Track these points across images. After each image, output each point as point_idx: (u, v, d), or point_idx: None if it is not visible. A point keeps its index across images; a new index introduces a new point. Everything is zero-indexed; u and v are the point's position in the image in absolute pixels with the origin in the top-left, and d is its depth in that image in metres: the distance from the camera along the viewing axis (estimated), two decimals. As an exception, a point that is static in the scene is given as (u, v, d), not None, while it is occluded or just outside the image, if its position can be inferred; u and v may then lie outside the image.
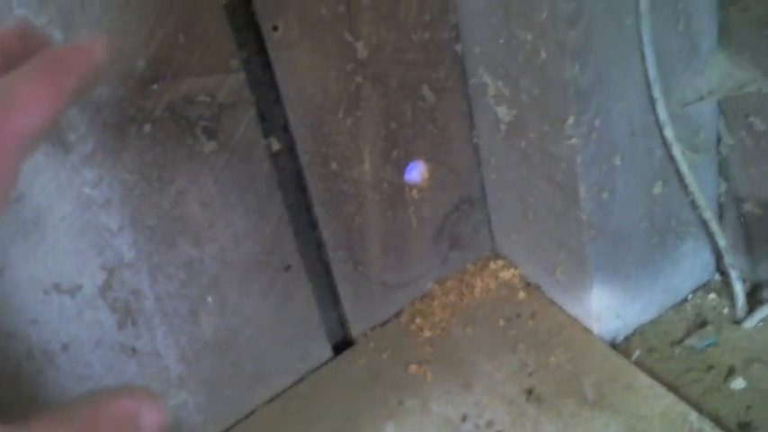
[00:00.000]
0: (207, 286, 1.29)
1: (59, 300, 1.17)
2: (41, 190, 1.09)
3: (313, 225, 1.37)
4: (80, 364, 1.22)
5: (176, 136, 1.16)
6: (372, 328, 1.52)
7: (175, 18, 1.10)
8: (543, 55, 1.15)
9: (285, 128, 1.27)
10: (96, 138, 1.10)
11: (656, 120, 1.24)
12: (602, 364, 1.36)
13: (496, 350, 1.43)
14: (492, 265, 1.57)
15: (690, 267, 1.45)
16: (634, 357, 1.39)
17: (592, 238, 1.29)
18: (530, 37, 1.16)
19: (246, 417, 1.42)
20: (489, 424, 1.32)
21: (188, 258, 1.25)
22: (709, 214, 1.36)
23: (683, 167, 1.29)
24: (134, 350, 1.26)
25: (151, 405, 0.53)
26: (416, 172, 1.40)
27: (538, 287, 1.51)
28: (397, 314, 1.53)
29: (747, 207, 1.38)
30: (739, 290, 1.40)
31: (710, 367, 1.34)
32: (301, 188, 1.33)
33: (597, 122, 1.19)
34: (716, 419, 1.26)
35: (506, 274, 1.55)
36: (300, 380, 1.46)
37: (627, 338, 1.44)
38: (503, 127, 1.33)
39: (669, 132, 1.25)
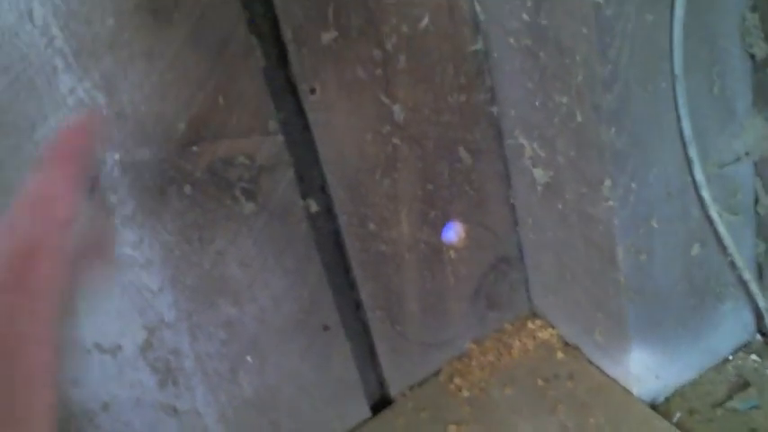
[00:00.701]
0: (246, 346, 1.29)
1: (101, 359, 1.19)
2: (83, 251, 1.11)
3: (351, 285, 1.38)
4: (120, 423, 1.23)
5: (216, 197, 1.18)
6: (411, 388, 1.52)
7: (215, 81, 1.12)
8: (579, 118, 1.16)
9: (323, 189, 1.28)
10: (137, 199, 1.12)
11: (693, 181, 1.24)
12: (642, 425, 1.35)
13: (535, 411, 1.42)
14: (530, 325, 1.57)
15: (730, 328, 1.44)
16: (675, 419, 1.37)
17: (630, 299, 1.29)
18: (565, 100, 1.17)
19: (285, 476, 1.42)
20: (528, 486, 1.31)
21: (228, 318, 1.26)
22: (748, 275, 1.35)
23: (721, 228, 1.29)
24: (174, 410, 1.27)
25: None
26: (454, 232, 1.41)
27: (576, 347, 1.50)
28: (436, 373, 1.53)
29: (787, 268, 1.37)
30: (781, 351, 1.39)
31: (753, 430, 1.32)
32: (339, 249, 1.34)
33: (634, 185, 1.19)
34: (758, 483, 1.24)
35: (544, 335, 1.54)
36: (339, 440, 1.46)
37: (667, 400, 1.42)
38: (539, 188, 1.34)
39: (706, 193, 1.25)
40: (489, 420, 1.43)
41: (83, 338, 1.16)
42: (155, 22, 1.05)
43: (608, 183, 1.18)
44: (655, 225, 1.24)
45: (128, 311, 1.18)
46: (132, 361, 1.21)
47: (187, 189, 1.15)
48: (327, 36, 1.18)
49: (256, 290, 1.26)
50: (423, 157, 1.33)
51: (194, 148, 1.14)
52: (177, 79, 1.10)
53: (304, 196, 1.26)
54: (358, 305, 1.40)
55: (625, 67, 1.10)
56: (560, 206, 1.31)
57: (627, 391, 1.41)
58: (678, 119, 1.17)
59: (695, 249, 1.30)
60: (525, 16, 1.17)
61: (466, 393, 1.48)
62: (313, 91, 1.20)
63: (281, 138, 1.20)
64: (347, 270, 1.36)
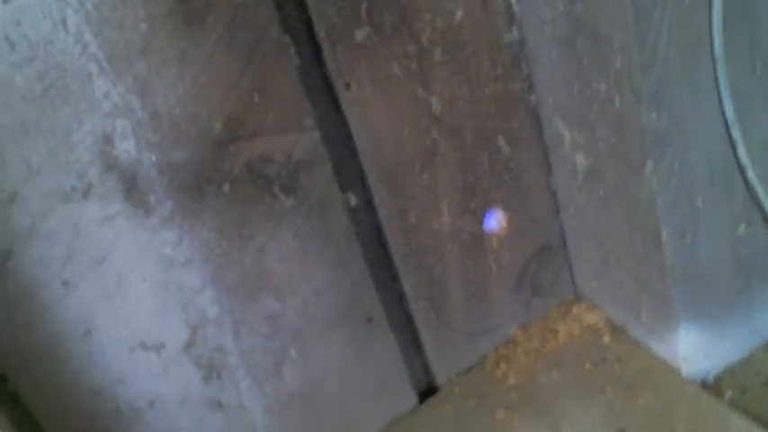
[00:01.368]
0: (290, 339, 1.29)
1: (145, 357, 1.19)
2: (123, 253, 1.11)
3: (394, 277, 1.37)
4: (167, 421, 1.24)
5: (254, 194, 1.18)
6: (457, 375, 1.52)
7: (249, 81, 1.12)
8: (618, 103, 1.15)
9: (362, 183, 1.28)
10: (175, 200, 1.12)
11: (737, 161, 1.22)
12: (693, 405, 1.34)
13: (583, 394, 1.41)
14: (575, 310, 1.56)
15: (778, 307, 1.42)
16: (726, 398, 1.36)
17: (676, 280, 1.28)
18: (604, 86, 1.16)
19: (334, 467, 1.43)
20: (579, 470, 1.30)
21: (270, 313, 1.26)
22: (795, 254, 1.33)
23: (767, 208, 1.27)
24: (220, 404, 1.27)
25: None
26: (495, 221, 1.40)
27: (623, 330, 1.49)
28: (481, 361, 1.53)
29: (835, 245, 1.35)
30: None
31: (806, 407, 1.31)
32: (381, 242, 1.33)
33: (676, 166, 1.18)
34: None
35: (590, 319, 1.53)
36: (387, 429, 1.46)
37: (717, 379, 1.41)
38: (580, 175, 1.32)
39: (751, 173, 1.23)
40: (536, 405, 1.42)
41: (126, 338, 1.17)
42: (187, 27, 1.05)
43: (650, 165, 1.17)
44: (699, 206, 1.23)
45: (170, 310, 1.19)
46: (176, 358, 1.22)
47: (225, 188, 1.15)
48: (361, 33, 1.18)
49: (298, 284, 1.26)
50: (461, 148, 1.32)
51: (231, 147, 1.14)
52: (210, 80, 1.09)
53: (343, 190, 1.26)
54: (401, 297, 1.39)
55: (664, 51, 1.08)
56: (602, 192, 1.29)
57: (675, 372, 1.40)
58: (720, 100, 1.16)
59: (741, 229, 1.29)
60: (560, 5, 1.16)
61: (512, 380, 1.47)
62: (348, 87, 1.20)
63: (317, 134, 1.20)
64: (389, 262, 1.35)
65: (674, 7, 1.06)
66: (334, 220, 1.26)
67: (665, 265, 1.26)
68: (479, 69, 1.28)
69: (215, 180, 1.14)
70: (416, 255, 1.36)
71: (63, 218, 1.06)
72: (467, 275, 1.43)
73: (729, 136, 1.20)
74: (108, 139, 1.05)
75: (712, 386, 1.40)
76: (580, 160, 1.30)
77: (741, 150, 1.21)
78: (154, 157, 1.09)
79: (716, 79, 1.14)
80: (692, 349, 1.37)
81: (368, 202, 1.29)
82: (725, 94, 1.15)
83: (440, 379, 1.50)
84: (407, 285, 1.38)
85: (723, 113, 1.17)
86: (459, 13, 1.24)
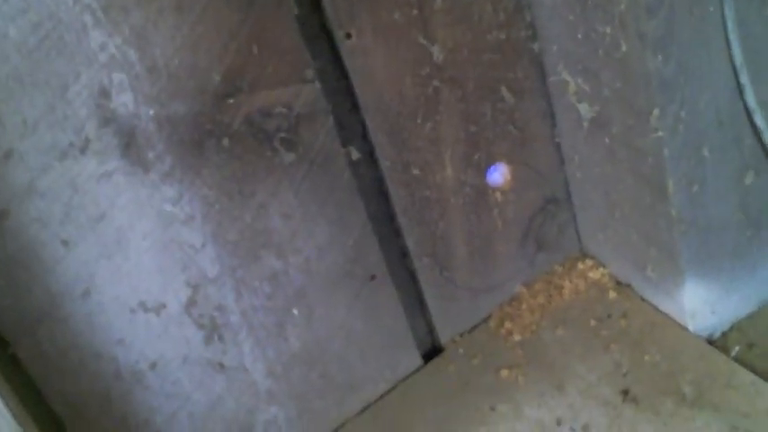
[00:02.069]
0: (292, 298, 1.28)
1: (145, 318, 1.18)
2: (122, 210, 1.10)
3: (397, 233, 1.36)
4: (168, 382, 1.23)
5: (255, 149, 1.16)
6: (461, 335, 1.51)
7: (248, 30, 1.10)
8: (624, 48, 1.13)
9: (364, 136, 1.26)
10: (175, 155, 1.10)
11: (745, 108, 1.21)
12: (699, 361, 1.33)
13: (589, 351, 1.40)
14: (580, 266, 1.55)
15: (788, 259, 1.41)
16: (733, 353, 1.35)
17: (683, 232, 1.26)
18: (609, 30, 1.14)
19: (338, 429, 1.41)
20: (585, 427, 1.29)
21: (272, 271, 1.25)
22: (805, 203, 1.32)
23: (776, 156, 1.26)
24: (221, 365, 1.26)
25: None
26: (499, 174, 1.39)
27: (628, 285, 1.48)
28: (486, 319, 1.52)
29: None
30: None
31: (816, 363, 1.30)
32: (383, 196, 1.32)
33: (683, 113, 1.16)
34: (822, 415, 1.22)
35: (595, 274, 1.52)
36: (391, 389, 1.45)
37: (724, 334, 1.40)
38: (585, 124, 1.31)
39: (759, 120, 1.21)
40: (542, 363, 1.41)
41: (126, 298, 1.15)
42: (183, -27, 1.04)
43: (656, 113, 1.15)
44: (706, 154, 1.21)
45: (170, 269, 1.17)
46: (177, 318, 1.20)
47: (225, 142, 1.13)
48: (361, -21, 1.16)
49: (300, 241, 1.25)
50: (464, 98, 1.31)
51: (230, 100, 1.12)
52: (208, 30, 1.08)
53: (345, 144, 1.24)
54: (405, 253, 1.38)
55: (670, -8, 1.07)
56: (607, 141, 1.28)
57: (682, 327, 1.39)
58: (728, 44, 1.14)
59: (749, 178, 1.27)
60: (564, -54, 1.14)
61: (517, 337, 1.46)
62: (349, 36, 1.18)
63: (318, 85, 1.18)
64: (392, 217, 1.34)
65: (679, -55, 1.05)
66: (336, 174, 1.24)
67: (672, 216, 1.25)
68: (481, 16, 1.26)
69: (215, 134, 1.12)
70: (419, 209, 1.34)
71: (61, 175, 1.05)
72: (471, 230, 1.42)
73: (737, 81, 1.18)
74: (105, 93, 1.03)
75: (719, 342, 1.38)
76: (585, 109, 1.29)
77: (749, 96, 1.19)
78: (152, 111, 1.07)
79: (723, 23, 1.13)
80: (699, 304, 1.36)
81: (370, 156, 1.28)
82: (732, 36, 1.13)
83: (444, 338, 1.49)
84: (411, 241, 1.37)
85: (731, 58, 1.16)
86: (462, -44, 1.22)
